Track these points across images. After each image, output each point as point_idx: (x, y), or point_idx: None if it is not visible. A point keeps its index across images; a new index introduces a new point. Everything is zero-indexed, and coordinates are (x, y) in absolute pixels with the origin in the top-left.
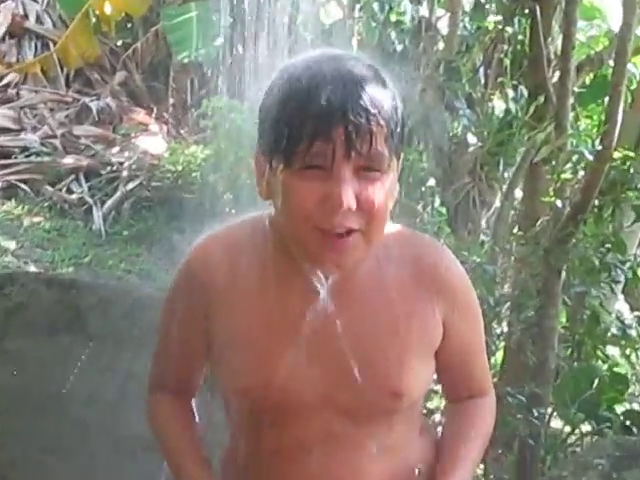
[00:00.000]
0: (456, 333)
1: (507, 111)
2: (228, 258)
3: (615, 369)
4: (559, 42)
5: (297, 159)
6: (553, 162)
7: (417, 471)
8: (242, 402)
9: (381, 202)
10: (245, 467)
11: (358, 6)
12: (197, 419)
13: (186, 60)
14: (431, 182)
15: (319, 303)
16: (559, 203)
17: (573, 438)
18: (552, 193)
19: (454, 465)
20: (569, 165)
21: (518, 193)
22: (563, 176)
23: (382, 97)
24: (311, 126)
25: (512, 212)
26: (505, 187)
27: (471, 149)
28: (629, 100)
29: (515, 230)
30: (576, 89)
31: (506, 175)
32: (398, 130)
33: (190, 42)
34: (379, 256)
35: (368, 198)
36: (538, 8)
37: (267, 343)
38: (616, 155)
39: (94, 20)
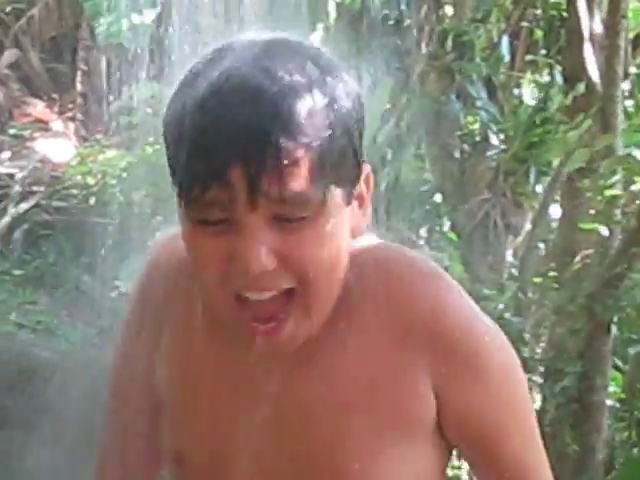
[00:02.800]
0: (457, 408)
1: (541, 101)
2: (182, 273)
3: None
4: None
5: (193, 208)
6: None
7: None
8: (175, 472)
9: (314, 255)
10: None
11: None
12: None
13: (109, 41)
14: (437, 199)
15: (268, 367)
16: (605, 231)
17: None
18: (595, 217)
19: None
20: (618, 177)
21: (557, 213)
22: (609, 192)
23: (307, 111)
24: (202, 167)
25: (545, 242)
26: (537, 206)
27: (491, 153)
28: None
29: (550, 267)
30: (635, 70)
31: (539, 189)
32: (343, 149)
33: (118, 14)
34: (348, 295)
35: (292, 254)
36: None
37: (202, 402)
38: None
39: None
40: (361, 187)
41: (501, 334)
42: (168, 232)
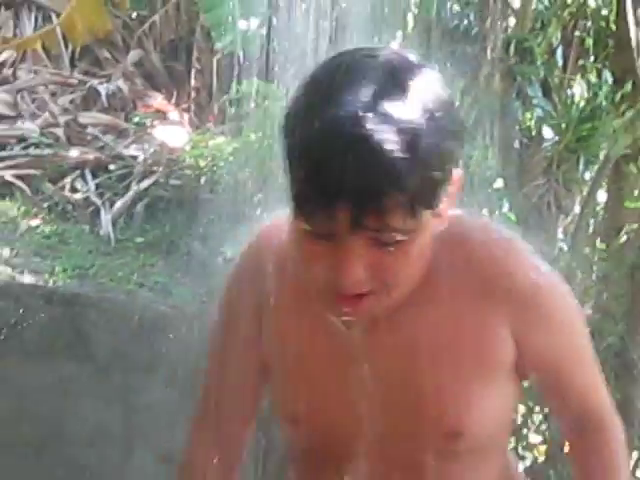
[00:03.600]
0: (532, 348)
1: (589, 100)
2: (288, 256)
3: None
4: None
5: (303, 222)
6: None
7: None
8: (288, 431)
9: (404, 269)
10: None
11: None
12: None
13: (224, 47)
14: (499, 183)
15: (366, 330)
16: None
17: None
18: (638, 196)
19: None
20: None
21: (603, 197)
22: None
23: (410, 161)
24: (313, 199)
25: (593, 220)
26: (586, 190)
27: (546, 145)
28: None
29: (597, 242)
30: None
31: (587, 176)
32: (438, 183)
33: (230, 26)
34: (432, 264)
35: (384, 269)
36: None
37: (312, 368)
38: None
39: None
40: (452, 188)
41: (565, 286)
42: (272, 219)
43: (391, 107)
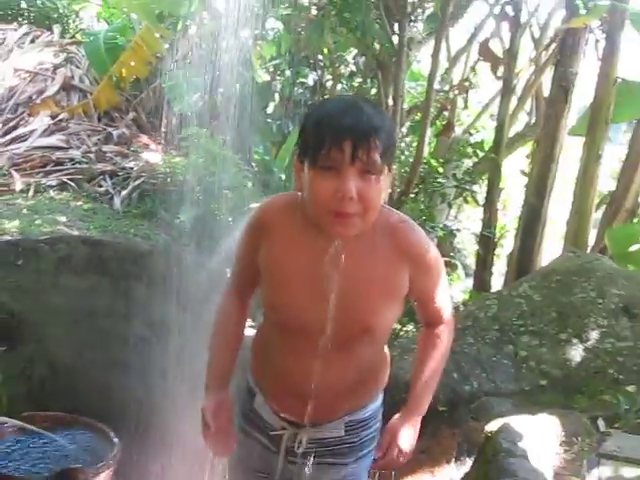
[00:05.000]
0: (418, 285)
1: None
2: (280, 214)
3: None
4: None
5: (319, 160)
6: None
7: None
8: (268, 312)
9: (374, 196)
10: (266, 353)
11: (278, 71)
12: (247, 312)
13: (179, 110)
14: None
15: (328, 258)
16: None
17: (401, 333)
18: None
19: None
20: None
21: None
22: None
23: (379, 126)
24: (330, 140)
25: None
26: None
27: None
28: (441, 128)
29: None
30: (409, 123)
31: None
32: (390, 147)
33: (182, 98)
34: (373, 231)
35: (365, 192)
36: (380, 74)
37: (290, 278)
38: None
39: (115, 79)
40: (391, 172)
41: (437, 251)
42: (266, 200)
43: (373, 107)
